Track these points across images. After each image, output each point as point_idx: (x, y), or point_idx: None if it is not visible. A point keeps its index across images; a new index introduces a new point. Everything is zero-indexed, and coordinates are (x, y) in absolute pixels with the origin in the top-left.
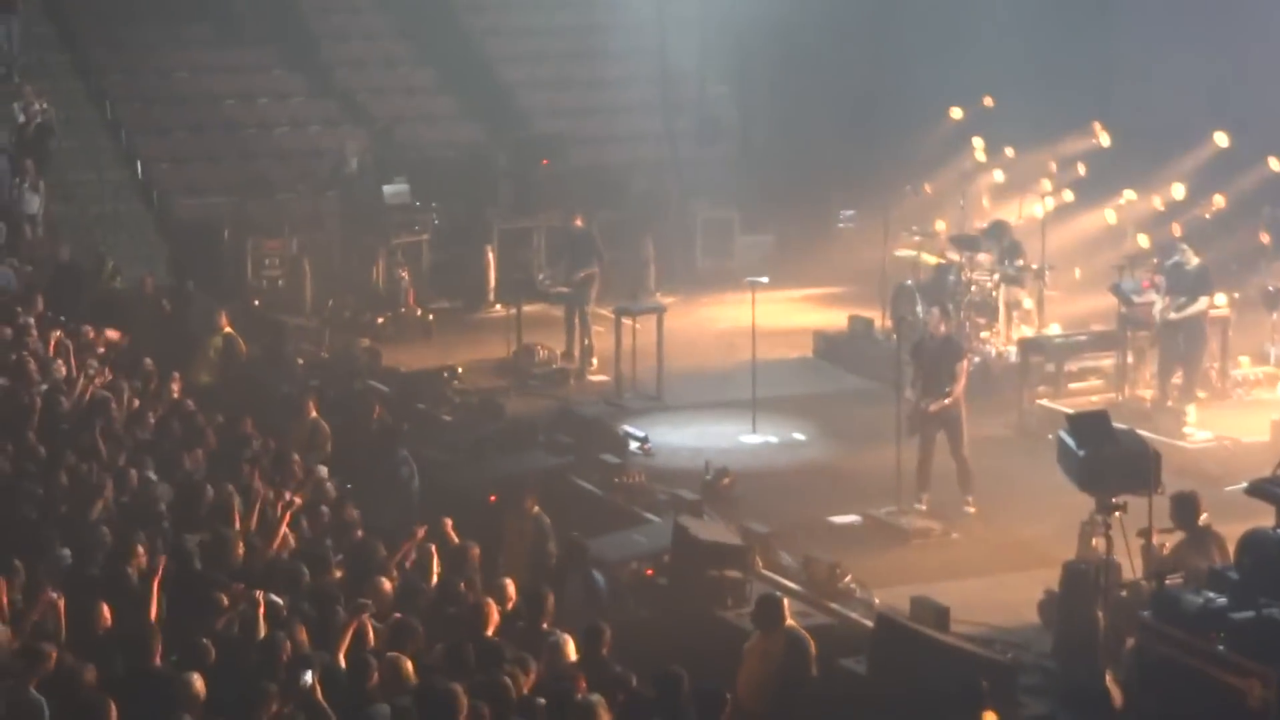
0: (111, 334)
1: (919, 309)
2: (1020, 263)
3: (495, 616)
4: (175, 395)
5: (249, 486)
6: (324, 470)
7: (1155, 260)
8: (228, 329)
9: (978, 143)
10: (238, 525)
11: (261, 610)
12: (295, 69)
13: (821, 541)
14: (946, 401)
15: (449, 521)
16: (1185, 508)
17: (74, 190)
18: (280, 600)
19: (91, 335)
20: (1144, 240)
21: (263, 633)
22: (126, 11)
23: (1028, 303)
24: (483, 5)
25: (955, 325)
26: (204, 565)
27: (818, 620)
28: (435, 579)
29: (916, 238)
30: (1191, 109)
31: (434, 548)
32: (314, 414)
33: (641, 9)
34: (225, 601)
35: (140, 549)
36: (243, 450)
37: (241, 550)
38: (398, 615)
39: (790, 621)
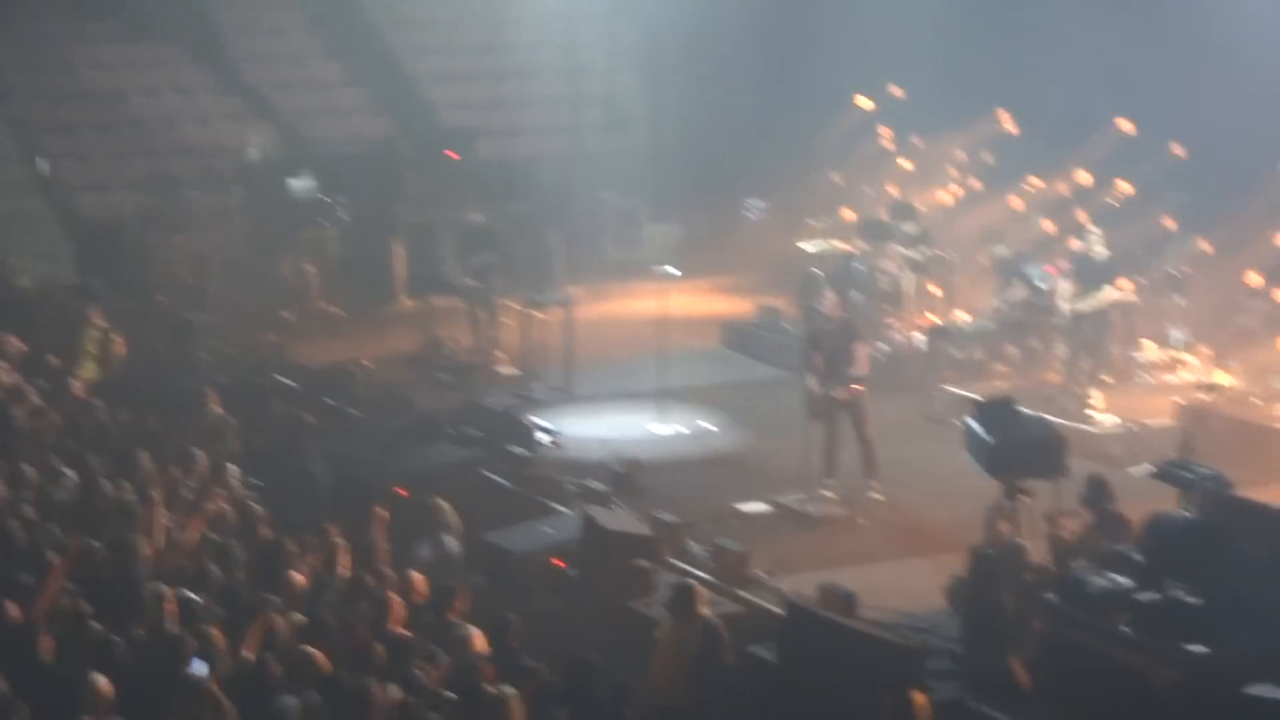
0: (15, 342)
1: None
2: (928, 250)
3: (402, 610)
4: (79, 394)
5: (150, 485)
6: (232, 467)
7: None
8: (100, 324)
9: (885, 131)
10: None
11: (173, 608)
12: (201, 65)
13: (730, 530)
14: (850, 387)
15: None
16: (1096, 490)
17: None
18: (194, 597)
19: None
20: (1050, 227)
21: (172, 630)
22: (30, 7)
23: (935, 291)
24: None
25: (853, 310)
26: (112, 564)
27: (728, 608)
28: (344, 573)
29: (821, 225)
30: (1096, 95)
31: (341, 542)
32: (217, 408)
33: (549, 1)
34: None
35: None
36: (147, 448)
37: (150, 549)
38: (306, 610)
39: (703, 610)
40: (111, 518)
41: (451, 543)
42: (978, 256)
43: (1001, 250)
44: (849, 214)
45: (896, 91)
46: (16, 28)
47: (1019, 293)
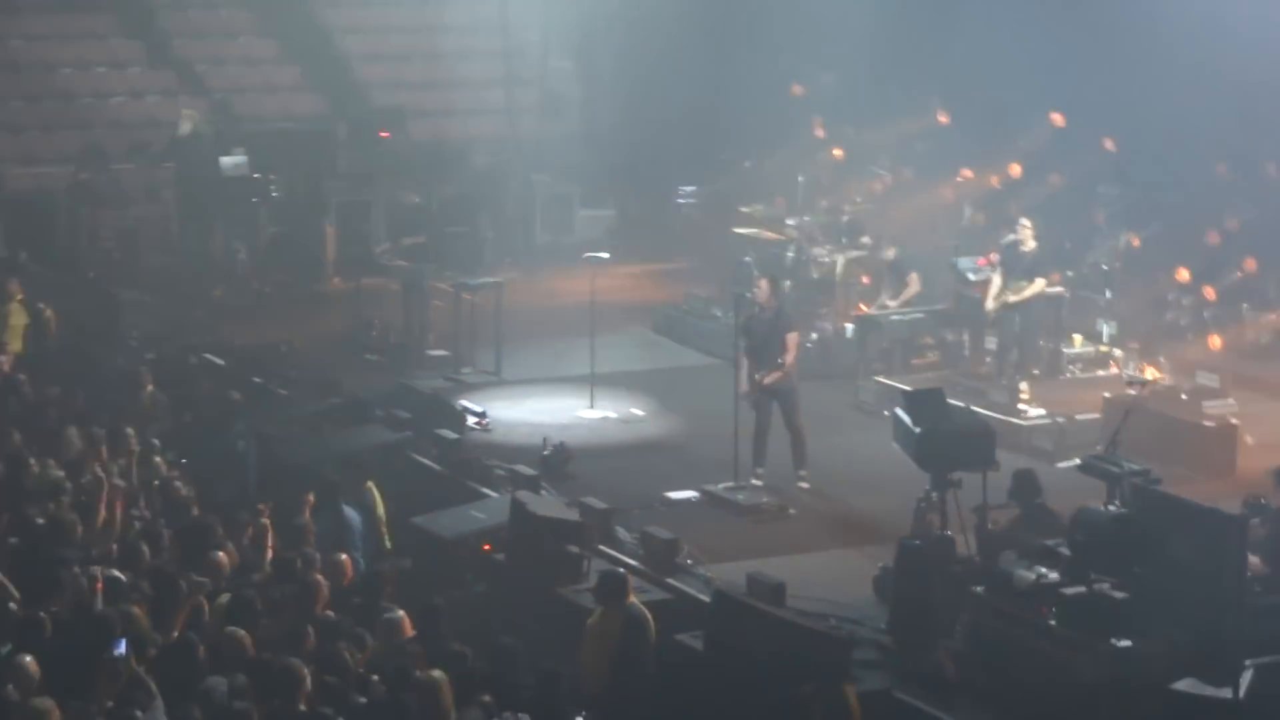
0: None
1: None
2: (858, 239)
3: (327, 593)
4: (5, 369)
5: (81, 462)
6: (158, 444)
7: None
8: (19, 297)
9: (817, 120)
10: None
11: (100, 586)
12: (133, 37)
13: (659, 517)
14: (779, 374)
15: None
16: (1025, 484)
17: None
18: (121, 576)
19: None
20: (980, 218)
21: (99, 610)
22: None
23: (865, 280)
24: None
25: (784, 298)
26: (41, 542)
27: (655, 596)
28: (270, 555)
29: (754, 213)
30: (1028, 88)
31: (269, 524)
32: (150, 387)
33: None
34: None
35: None
36: (76, 425)
37: (79, 529)
38: (233, 591)
39: (630, 598)
40: (40, 495)
41: (351, 514)
42: (885, 252)
43: (891, 253)
44: (781, 202)
45: (829, 79)
46: None
47: (912, 291)
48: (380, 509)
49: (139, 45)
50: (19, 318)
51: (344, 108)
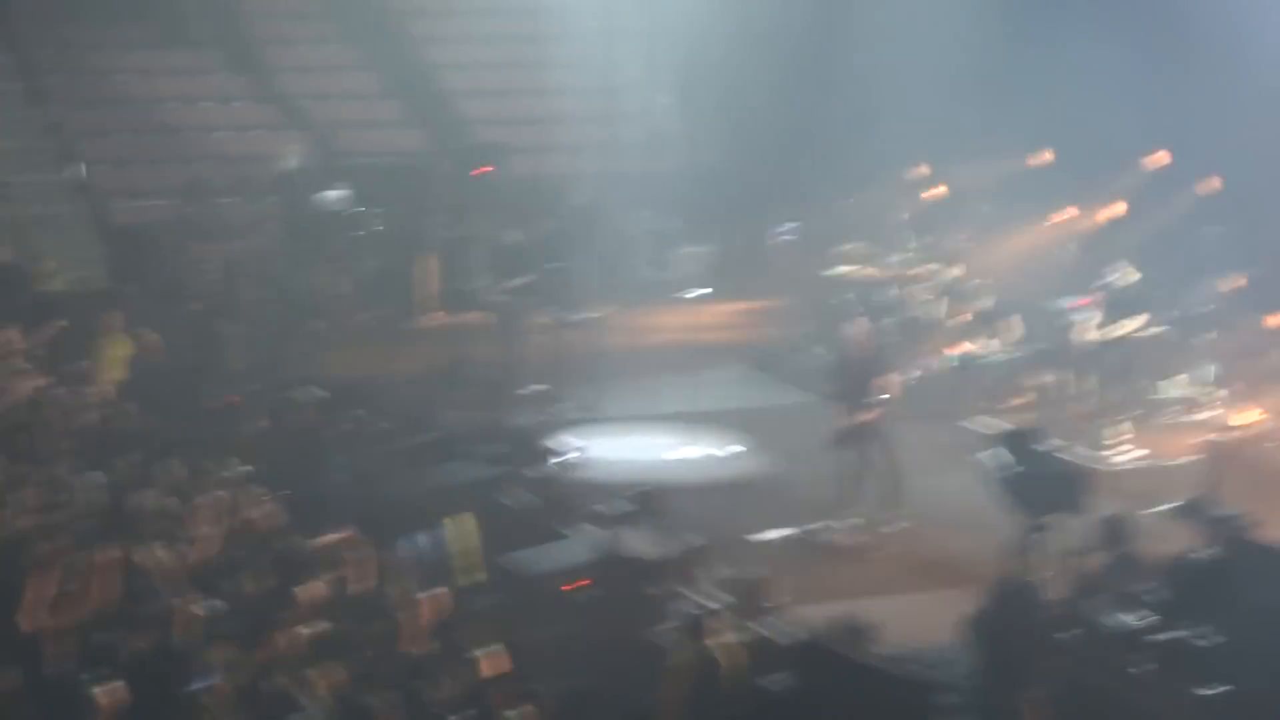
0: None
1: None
2: (959, 278)
3: (422, 628)
4: (109, 399)
5: (181, 492)
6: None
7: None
8: (119, 331)
9: (919, 158)
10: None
11: (192, 617)
12: (238, 72)
13: (752, 557)
14: (874, 414)
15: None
16: (1115, 529)
17: (12, 191)
18: (217, 605)
19: (21, 338)
20: (1082, 258)
21: (186, 641)
22: (68, 11)
23: (966, 319)
24: (427, 11)
25: (882, 337)
26: (132, 572)
27: (742, 637)
28: (367, 588)
29: (854, 251)
30: (1130, 127)
31: (365, 557)
32: (256, 419)
33: (586, 19)
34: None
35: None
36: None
37: (175, 558)
38: (325, 623)
39: (715, 639)
40: (142, 525)
41: (430, 541)
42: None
43: (990, 303)
44: (882, 239)
45: (932, 117)
46: (56, 31)
47: (1015, 336)
48: (475, 542)
49: (244, 80)
50: (121, 348)
51: (445, 143)
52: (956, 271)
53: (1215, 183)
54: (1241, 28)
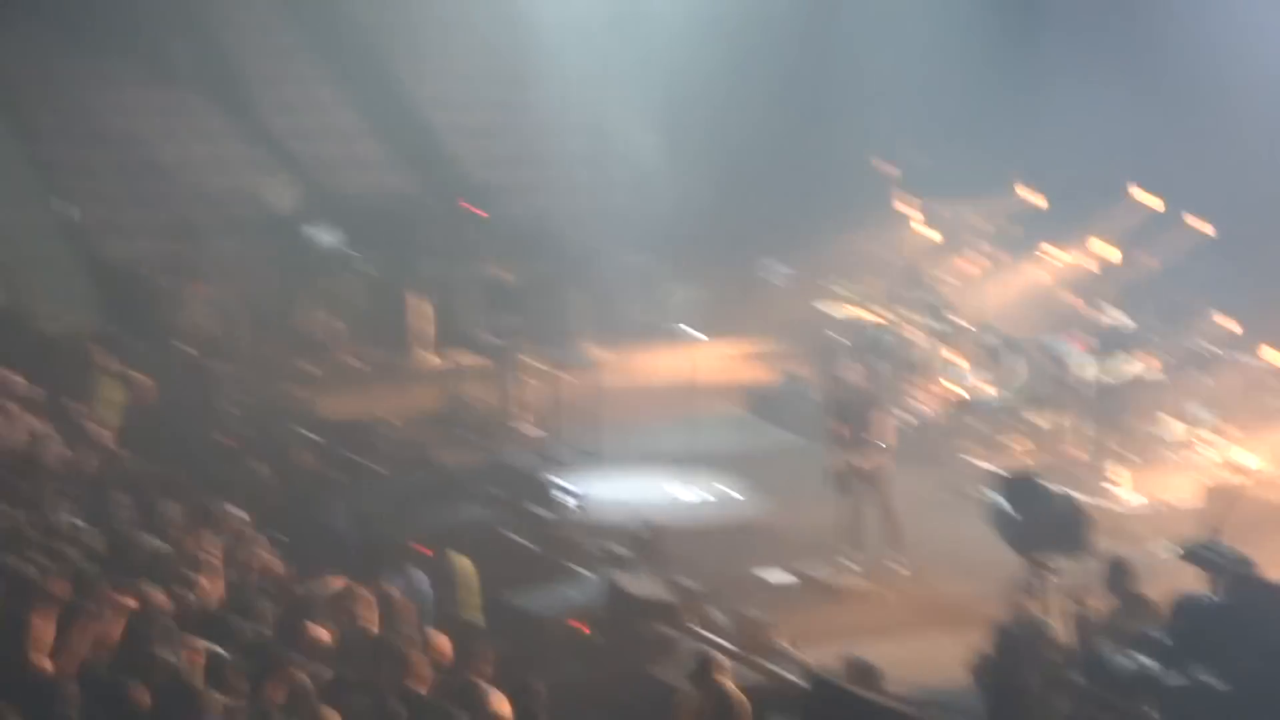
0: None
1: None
2: (951, 321)
3: (426, 670)
4: (107, 442)
5: (182, 536)
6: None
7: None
8: (111, 369)
9: (911, 199)
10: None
11: (199, 660)
12: (226, 112)
13: (754, 599)
14: (874, 457)
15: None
16: (1119, 572)
17: (2, 231)
18: (223, 652)
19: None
20: (1075, 300)
21: (196, 685)
22: (54, 50)
23: (960, 362)
24: (414, 52)
25: (876, 380)
26: (135, 617)
27: (750, 678)
28: (371, 629)
29: (846, 292)
30: (1123, 169)
31: (366, 598)
32: (257, 464)
33: (573, 59)
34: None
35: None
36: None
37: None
38: (327, 667)
39: (723, 679)
40: (141, 568)
41: (421, 579)
42: (984, 340)
43: (993, 340)
44: (874, 281)
45: (921, 159)
46: (42, 70)
47: (1021, 374)
48: (473, 583)
49: (233, 119)
50: (116, 390)
51: (435, 183)
52: (949, 314)
53: (1207, 227)
54: (1235, 65)
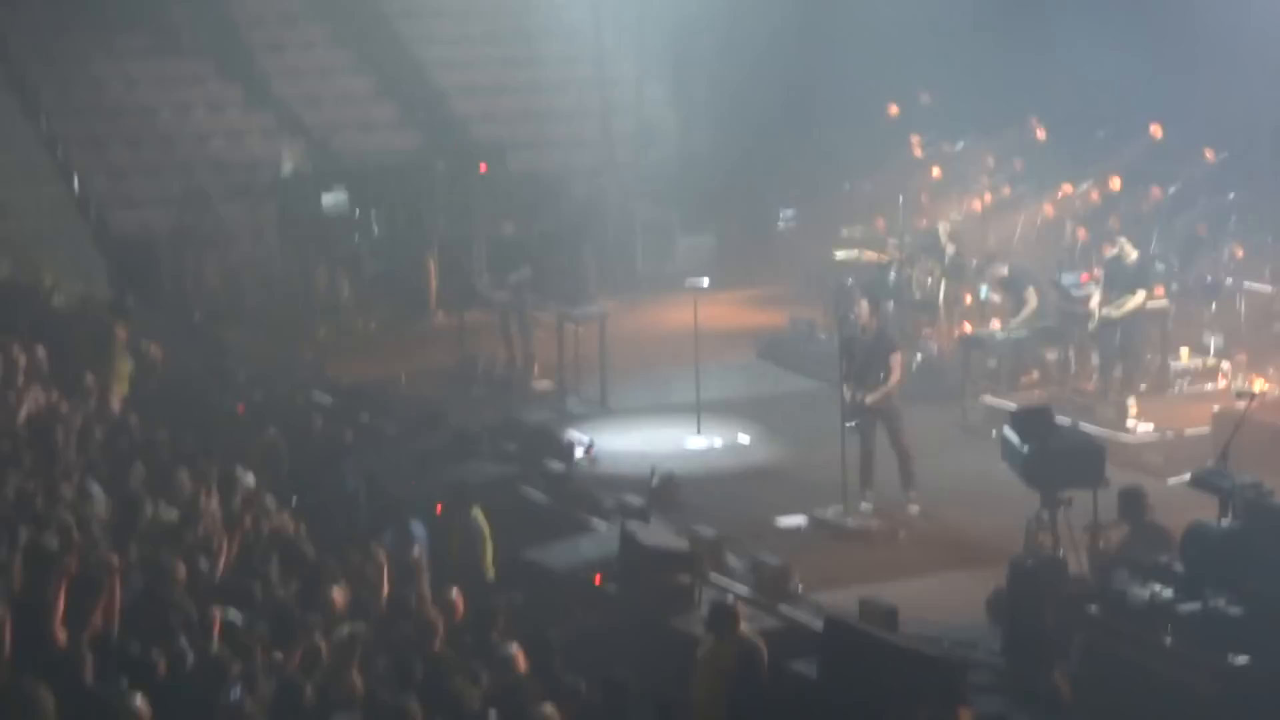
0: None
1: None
2: (961, 258)
3: (441, 629)
4: (117, 410)
5: (195, 503)
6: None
7: (1095, 253)
8: (122, 337)
9: (915, 139)
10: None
11: (218, 628)
12: (231, 79)
13: (769, 544)
14: (882, 394)
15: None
16: (1132, 502)
17: (10, 206)
18: (238, 616)
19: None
20: (1081, 234)
21: (215, 651)
22: (59, 23)
23: (968, 299)
24: (418, 12)
25: (886, 319)
26: (150, 584)
27: (767, 624)
28: (385, 591)
29: (854, 234)
30: (1126, 102)
31: (384, 559)
32: (268, 429)
33: (577, 13)
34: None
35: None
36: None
37: (186, 570)
38: (348, 628)
39: (742, 627)
40: (154, 537)
41: (419, 531)
42: (988, 276)
43: (1004, 270)
44: (881, 222)
45: (926, 98)
46: (48, 44)
47: (1031, 307)
48: (488, 539)
49: (237, 87)
50: (124, 362)
51: (441, 142)
52: (957, 251)
53: (1210, 155)
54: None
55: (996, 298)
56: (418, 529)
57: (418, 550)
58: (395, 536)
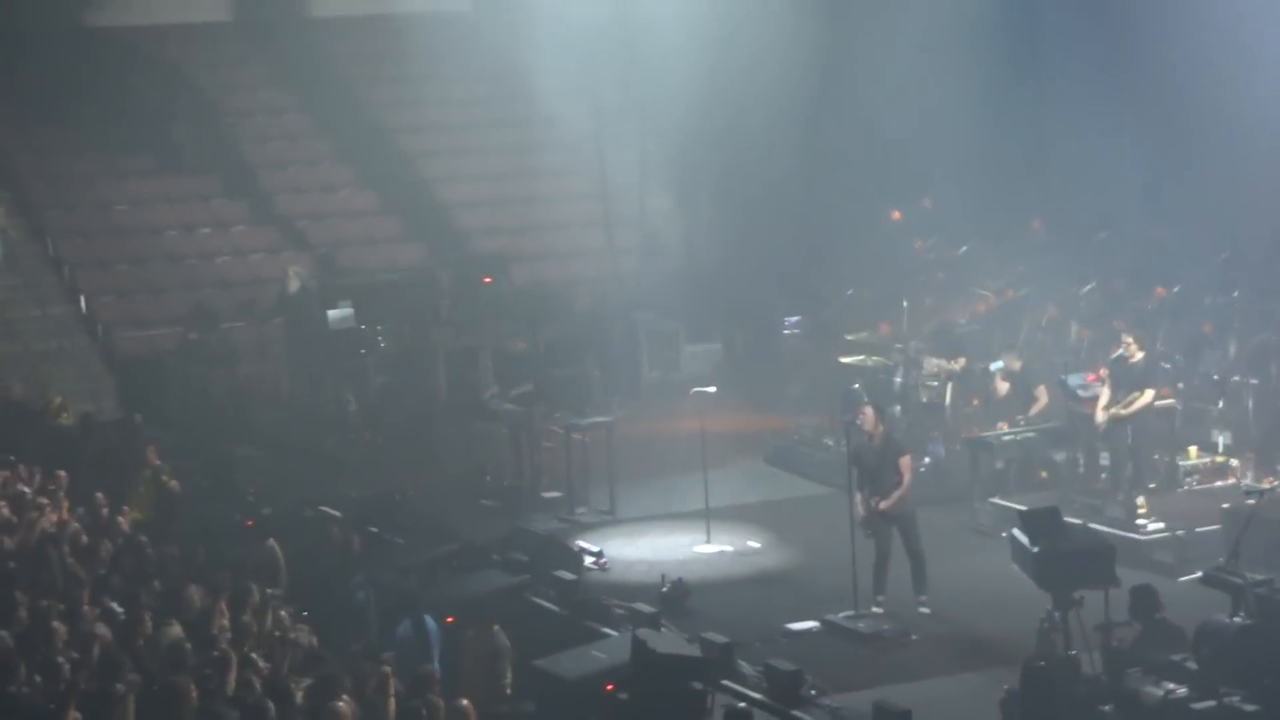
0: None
1: None
2: (965, 362)
3: None
4: (125, 529)
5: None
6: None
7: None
8: (156, 462)
9: (919, 244)
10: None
11: None
12: (235, 197)
13: (781, 649)
14: (896, 497)
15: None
16: (1144, 600)
17: (18, 327)
18: None
19: (38, 475)
20: (1086, 334)
21: None
22: (64, 145)
23: (974, 402)
24: (419, 127)
25: (892, 424)
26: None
27: None
28: (393, 703)
29: (859, 340)
30: (1128, 203)
31: (390, 670)
32: (270, 543)
33: (578, 126)
34: None
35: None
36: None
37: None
38: None
39: None
40: (163, 655)
41: (432, 624)
42: (998, 380)
43: (1017, 365)
44: (886, 327)
45: (928, 203)
46: (51, 164)
47: (1042, 404)
48: (509, 654)
49: (242, 204)
50: (147, 490)
51: (445, 256)
52: (962, 354)
53: (1216, 255)
54: (1244, 100)
55: (1005, 386)
56: (431, 623)
57: (429, 662)
58: (412, 628)
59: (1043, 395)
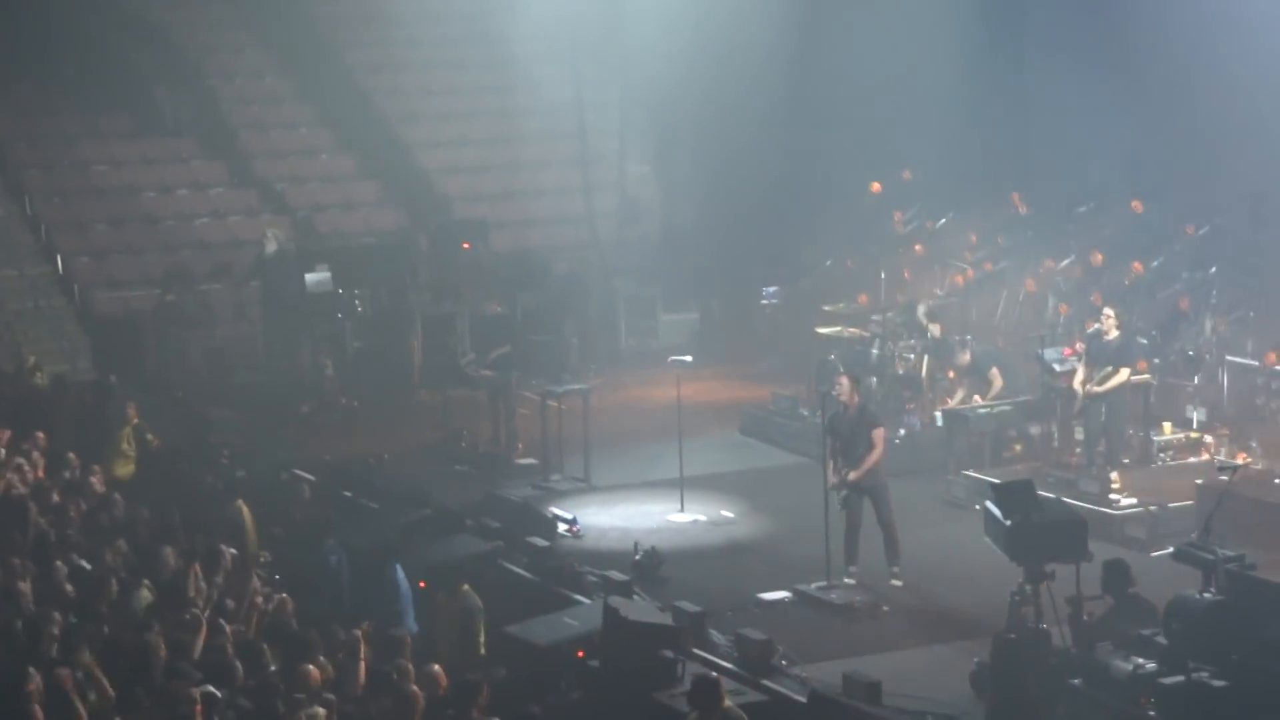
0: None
1: None
2: (942, 334)
3: (422, 705)
4: (98, 489)
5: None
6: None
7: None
8: (135, 420)
9: (898, 216)
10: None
11: (198, 707)
12: (214, 159)
13: (752, 619)
14: (867, 469)
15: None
16: (1116, 574)
17: None
18: (218, 692)
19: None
20: (1064, 309)
21: None
22: (43, 105)
23: (950, 374)
24: (400, 91)
25: (867, 395)
26: (130, 665)
27: (751, 698)
28: (365, 667)
29: (837, 311)
30: (1107, 178)
31: (361, 635)
32: (243, 506)
33: (559, 92)
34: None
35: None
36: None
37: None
38: (328, 705)
39: (726, 703)
40: (136, 614)
41: (403, 579)
42: (959, 356)
43: (965, 357)
44: (864, 298)
45: (908, 175)
46: (31, 125)
47: (997, 386)
48: (481, 615)
49: (221, 166)
50: (129, 447)
51: (424, 221)
52: (936, 328)
53: (1191, 230)
54: (1226, 74)
55: (962, 391)
56: (402, 577)
57: (402, 627)
58: (380, 580)
59: (996, 378)
